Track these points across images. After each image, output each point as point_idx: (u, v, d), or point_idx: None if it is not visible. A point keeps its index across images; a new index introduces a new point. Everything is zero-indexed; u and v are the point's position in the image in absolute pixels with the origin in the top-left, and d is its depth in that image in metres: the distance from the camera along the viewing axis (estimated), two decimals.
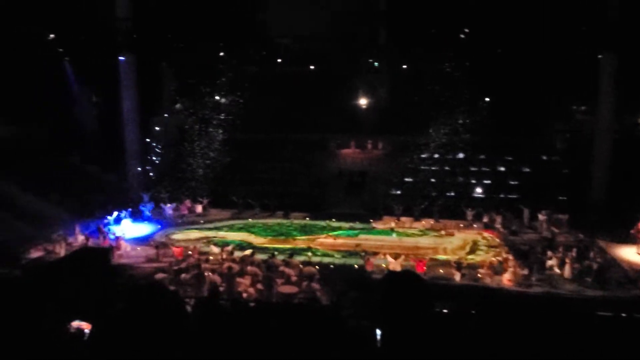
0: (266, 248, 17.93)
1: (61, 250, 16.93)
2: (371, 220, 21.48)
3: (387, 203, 22.71)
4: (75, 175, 23.65)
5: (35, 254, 16.87)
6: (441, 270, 15.63)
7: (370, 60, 25.98)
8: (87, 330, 4.29)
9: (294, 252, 17.09)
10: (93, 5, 23.00)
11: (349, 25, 25.41)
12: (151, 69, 25.64)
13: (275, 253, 16.67)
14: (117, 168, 24.58)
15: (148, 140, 25.87)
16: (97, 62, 24.14)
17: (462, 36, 23.30)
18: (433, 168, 24.63)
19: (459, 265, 15.47)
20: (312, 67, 26.53)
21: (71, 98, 26.06)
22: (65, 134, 24.69)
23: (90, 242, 17.67)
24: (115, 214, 20.33)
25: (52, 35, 24.12)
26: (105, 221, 19.62)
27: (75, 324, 5.44)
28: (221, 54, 25.11)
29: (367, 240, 19.14)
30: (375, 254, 16.81)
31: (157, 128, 26.56)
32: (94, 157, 24.59)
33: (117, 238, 17.92)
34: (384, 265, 15.51)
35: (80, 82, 25.97)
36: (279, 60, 26.40)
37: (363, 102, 26.68)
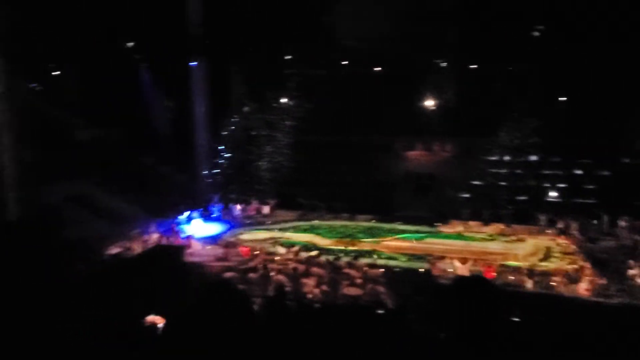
0: (331, 249, 18.01)
1: (137, 248, 17.81)
2: (438, 224, 21.06)
3: (455, 206, 22.18)
4: (150, 176, 24.82)
5: (114, 250, 17.81)
6: (512, 277, 15.06)
7: (438, 61, 25.51)
8: (160, 325, 4.49)
9: (359, 254, 17.06)
10: (168, 13, 24.01)
11: (416, 25, 25.03)
12: (222, 73, 26.44)
13: (341, 255, 16.75)
14: (188, 170, 25.52)
15: (217, 143, 26.67)
16: (170, 68, 25.26)
17: (536, 34, 22.40)
18: (503, 171, 23.81)
19: (530, 272, 14.86)
20: (378, 68, 26.38)
21: (147, 102, 27.40)
22: (141, 136, 25.95)
23: (164, 240, 18.48)
24: (187, 213, 21.13)
25: (130, 43, 25.56)
26: (178, 220, 20.43)
27: (150, 318, 5.70)
28: (288, 57, 25.52)
29: (434, 244, 18.78)
30: (441, 258, 16.46)
31: (226, 132, 27.30)
32: (167, 159, 25.69)
33: (189, 237, 18.63)
34: (450, 270, 15.17)
35: (155, 87, 27.26)
36: (345, 62, 26.44)
37: (431, 103, 26.21)
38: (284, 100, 26.10)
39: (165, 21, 23.83)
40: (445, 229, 20.76)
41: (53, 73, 28.61)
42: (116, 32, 24.86)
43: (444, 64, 25.56)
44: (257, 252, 17.11)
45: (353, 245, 18.72)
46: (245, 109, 27.13)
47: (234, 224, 21.80)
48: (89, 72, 26.95)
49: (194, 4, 23.58)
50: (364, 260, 16.07)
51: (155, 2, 22.88)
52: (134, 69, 26.51)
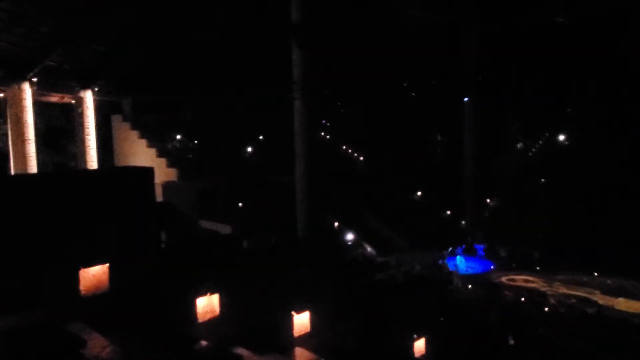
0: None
1: (400, 277, 18.42)
2: None
3: None
4: (418, 208, 25.68)
5: (379, 276, 18.83)
6: None
7: None
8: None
9: None
10: (443, 51, 24.77)
11: None
12: (493, 109, 25.87)
13: None
14: (455, 205, 25.42)
15: (487, 179, 25.94)
16: (443, 104, 25.96)
17: None
18: None
19: None
20: None
21: (418, 137, 28.78)
22: (412, 169, 27.23)
23: (426, 273, 18.70)
24: (450, 249, 21.02)
25: (404, 83, 27.51)
26: (441, 255, 20.46)
27: None
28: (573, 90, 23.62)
29: None
30: None
31: (497, 169, 26.45)
32: (435, 193, 26.20)
33: (450, 273, 18.48)
34: None
35: (428, 122, 28.45)
36: None
37: None
38: (559, 136, 24.05)
39: (440, 59, 24.67)
40: None
41: (341, 110, 32.60)
42: (394, 71, 26.87)
43: None
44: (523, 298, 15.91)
45: None
46: (519, 145, 25.90)
47: (497, 265, 20.77)
48: (368, 109, 29.89)
49: (469, 44, 23.74)
50: None
51: (431, 42, 23.88)
52: (407, 105, 28.28)
